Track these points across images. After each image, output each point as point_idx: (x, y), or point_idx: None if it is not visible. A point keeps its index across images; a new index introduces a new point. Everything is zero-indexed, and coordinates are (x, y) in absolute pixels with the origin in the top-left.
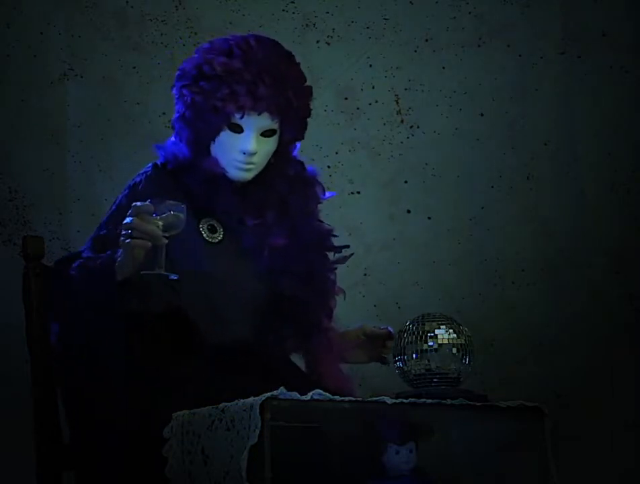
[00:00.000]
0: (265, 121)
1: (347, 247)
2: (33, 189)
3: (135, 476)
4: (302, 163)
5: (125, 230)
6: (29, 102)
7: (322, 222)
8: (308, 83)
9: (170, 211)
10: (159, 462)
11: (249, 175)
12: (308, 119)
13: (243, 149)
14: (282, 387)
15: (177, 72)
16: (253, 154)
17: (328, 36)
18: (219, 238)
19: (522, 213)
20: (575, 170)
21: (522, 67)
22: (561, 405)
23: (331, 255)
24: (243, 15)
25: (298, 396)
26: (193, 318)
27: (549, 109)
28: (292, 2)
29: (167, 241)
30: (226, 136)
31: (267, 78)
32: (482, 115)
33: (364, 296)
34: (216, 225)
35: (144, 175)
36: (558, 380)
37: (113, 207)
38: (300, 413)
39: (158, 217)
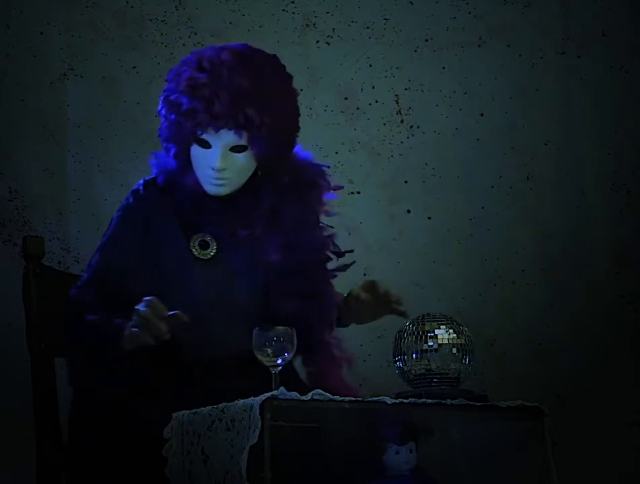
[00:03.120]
0: (229, 137)
1: (351, 251)
2: (33, 189)
3: (135, 476)
4: (300, 168)
5: (135, 316)
6: (29, 102)
7: (323, 227)
8: (285, 98)
9: (280, 338)
10: (159, 462)
11: (223, 190)
12: (290, 133)
13: (211, 165)
14: (282, 387)
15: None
16: (221, 170)
17: (328, 36)
18: (212, 253)
19: (522, 213)
20: (575, 170)
21: (521, 67)
22: (561, 405)
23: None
24: (243, 15)
25: (298, 396)
26: (187, 338)
27: (549, 109)
28: (292, 2)
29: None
30: (196, 151)
31: (225, 95)
32: (482, 115)
33: None
34: (208, 240)
35: (136, 193)
36: (558, 380)
37: (109, 231)
38: (300, 413)
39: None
